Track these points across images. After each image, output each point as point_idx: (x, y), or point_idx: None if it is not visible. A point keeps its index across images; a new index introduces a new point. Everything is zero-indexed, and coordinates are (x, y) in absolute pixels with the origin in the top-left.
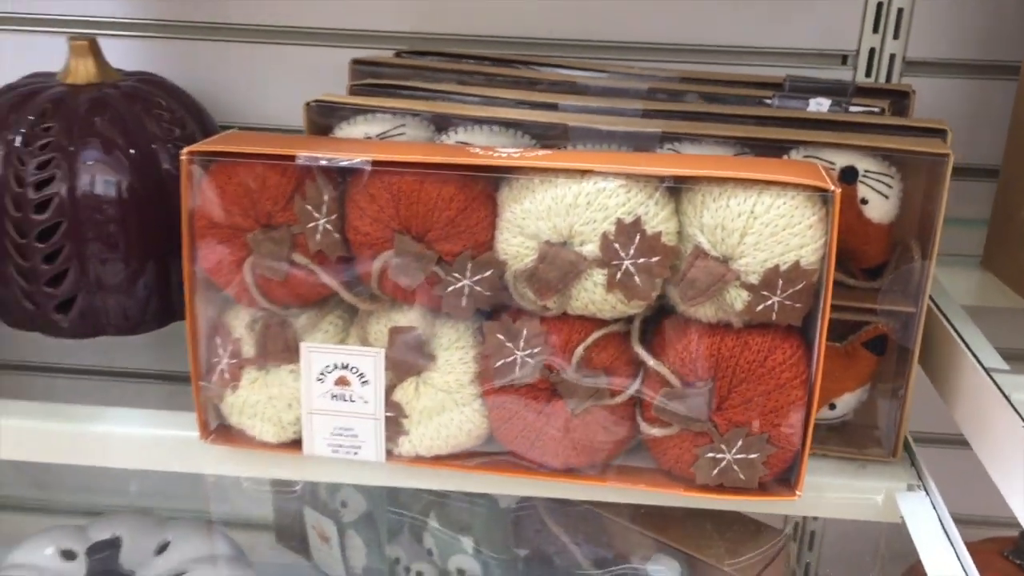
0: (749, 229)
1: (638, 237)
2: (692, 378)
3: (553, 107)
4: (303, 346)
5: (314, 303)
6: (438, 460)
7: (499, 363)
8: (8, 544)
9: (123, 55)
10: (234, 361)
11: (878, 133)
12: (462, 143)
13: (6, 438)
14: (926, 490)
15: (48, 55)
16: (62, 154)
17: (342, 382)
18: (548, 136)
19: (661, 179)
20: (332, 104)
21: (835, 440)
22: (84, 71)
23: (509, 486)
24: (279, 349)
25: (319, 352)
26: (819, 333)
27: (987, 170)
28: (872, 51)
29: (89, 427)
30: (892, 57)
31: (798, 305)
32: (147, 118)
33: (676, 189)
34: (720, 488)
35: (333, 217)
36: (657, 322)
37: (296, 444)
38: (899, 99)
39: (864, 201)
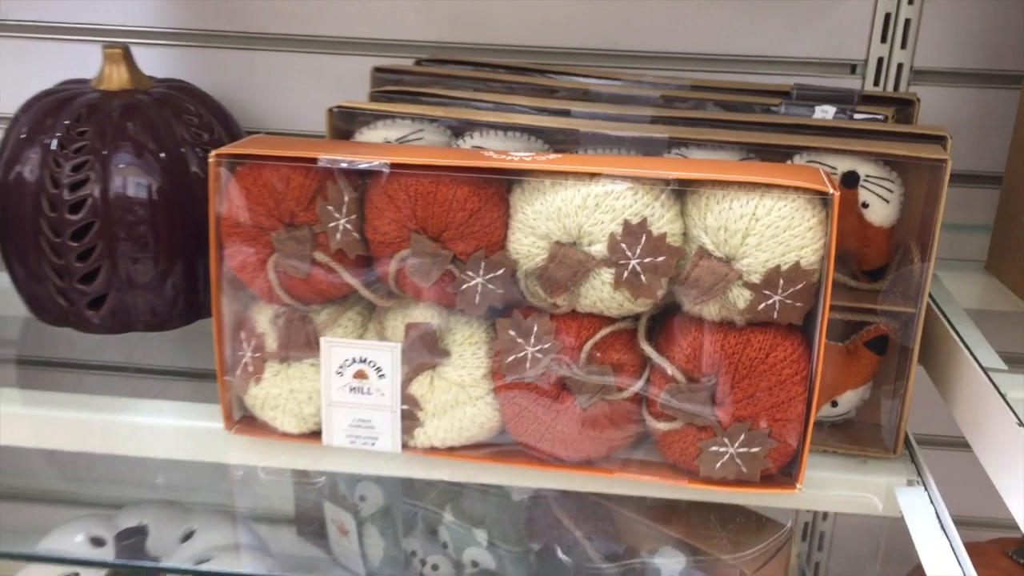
0: (751, 230)
1: (644, 238)
2: (696, 374)
3: (566, 113)
4: (323, 340)
5: (334, 299)
6: (452, 451)
7: (511, 358)
8: (40, 534)
9: (154, 63)
10: (258, 355)
11: (880, 139)
12: (477, 147)
13: (40, 427)
14: (925, 486)
15: (83, 62)
16: (96, 157)
17: (360, 375)
18: (560, 141)
19: (667, 182)
20: (354, 110)
21: (838, 437)
22: (117, 78)
23: (520, 477)
24: (300, 343)
25: (338, 346)
26: (819, 331)
27: (991, 177)
28: (880, 61)
29: (118, 417)
30: (900, 67)
31: (799, 304)
32: (177, 123)
33: (681, 192)
34: (723, 481)
35: (353, 217)
36: (663, 320)
37: (316, 435)
38: (904, 107)
39: (865, 205)
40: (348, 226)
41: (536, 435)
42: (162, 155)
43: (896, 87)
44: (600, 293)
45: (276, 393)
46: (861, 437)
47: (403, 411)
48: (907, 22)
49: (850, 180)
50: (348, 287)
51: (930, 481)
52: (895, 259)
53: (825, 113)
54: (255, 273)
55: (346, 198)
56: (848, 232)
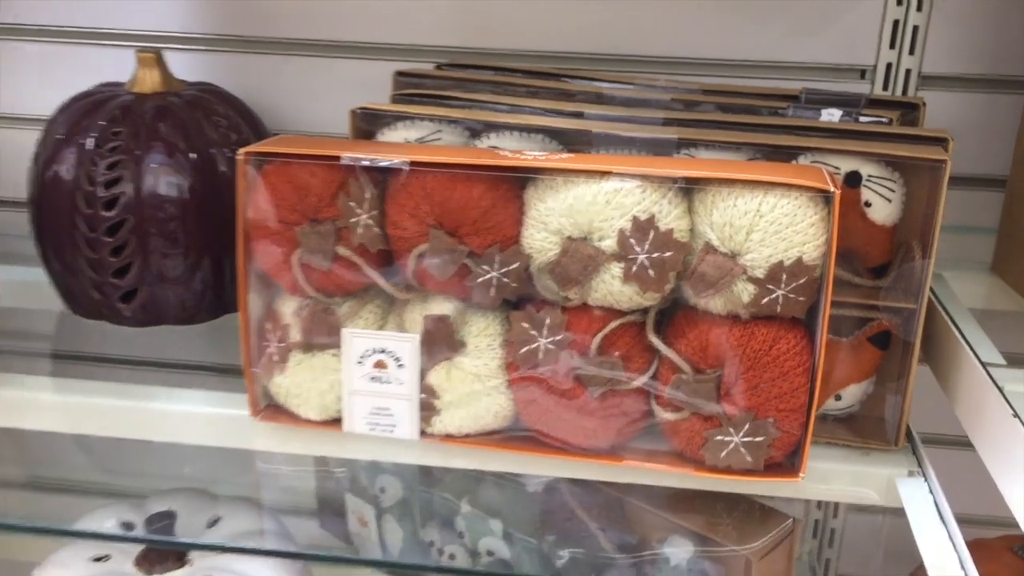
0: (755, 227)
1: (652, 233)
2: (702, 365)
3: (580, 115)
4: (345, 331)
5: (355, 292)
6: (467, 439)
7: (524, 350)
8: (71, 522)
9: (185, 67)
10: (282, 345)
11: (883, 141)
12: (493, 147)
13: (75, 414)
14: (925, 477)
15: (118, 66)
16: (129, 156)
17: (380, 365)
18: (573, 142)
19: (674, 180)
20: (376, 111)
21: (842, 430)
22: (150, 81)
23: (532, 465)
24: (323, 334)
25: (359, 337)
26: (821, 324)
27: (997, 180)
28: (889, 66)
29: (149, 405)
30: (908, 72)
31: (801, 298)
32: (206, 125)
33: (688, 190)
34: (728, 469)
35: (374, 213)
36: (671, 313)
37: (337, 422)
38: (909, 111)
39: (868, 204)
40: (369, 221)
41: (548, 423)
42: (192, 155)
43: (904, 92)
44: (610, 287)
45: (300, 382)
46: (864, 430)
47: (421, 400)
48: (915, 29)
49: (853, 180)
50: (369, 280)
51: (930, 473)
52: (897, 257)
53: (831, 116)
54: (280, 266)
55: (367, 195)
56: (851, 230)
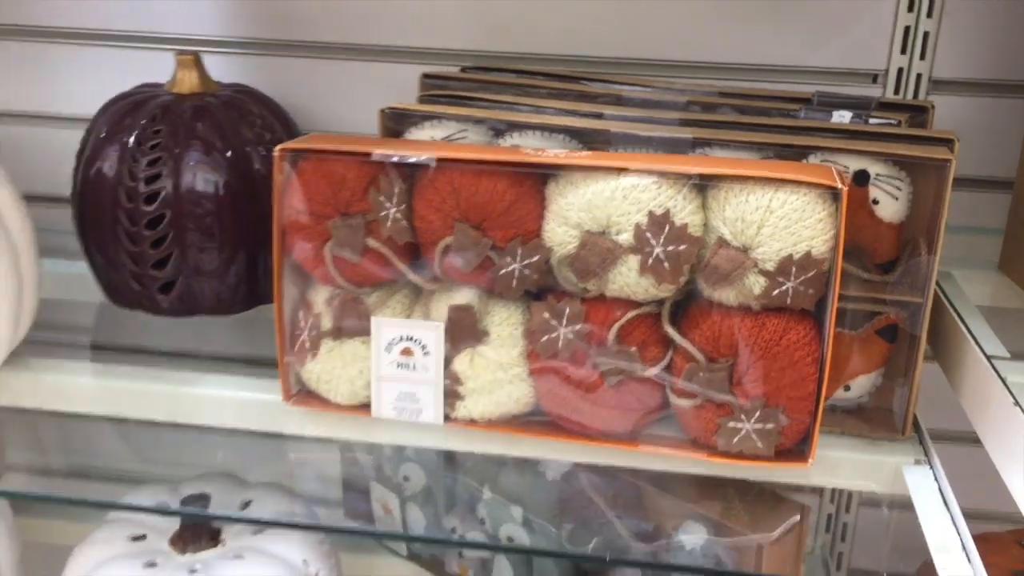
0: (766, 222)
1: (667, 228)
2: (715, 355)
3: (599, 116)
4: (374, 320)
5: (384, 283)
6: (490, 424)
7: (544, 338)
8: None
9: (221, 69)
10: (314, 332)
11: (891, 142)
12: (516, 146)
13: (115, 399)
14: (931, 465)
15: (158, 68)
16: (169, 154)
17: (407, 352)
18: (593, 141)
19: (689, 177)
20: (404, 111)
21: (851, 420)
22: (188, 82)
23: (551, 450)
24: (353, 322)
25: (387, 325)
26: (829, 316)
27: (1004, 182)
28: (900, 71)
29: (186, 389)
30: (919, 77)
31: (810, 291)
32: (241, 124)
33: (702, 186)
34: (740, 455)
35: (402, 207)
36: (685, 305)
37: (365, 407)
38: (918, 113)
39: (875, 202)
40: (398, 215)
41: (567, 410)
42: (228, 153)
43: (915, 96)
44: (627, 279)
45: (330, 368)
46: (873, 420)
47: (445, 386)
48: (925, 35)
49: (861, 178)
50: (397, 271)
51: (936, 461)
52: (904, 253)
53: (842, 118)
54: (313, 257)
55: (396, 189)
56: (860, 227)
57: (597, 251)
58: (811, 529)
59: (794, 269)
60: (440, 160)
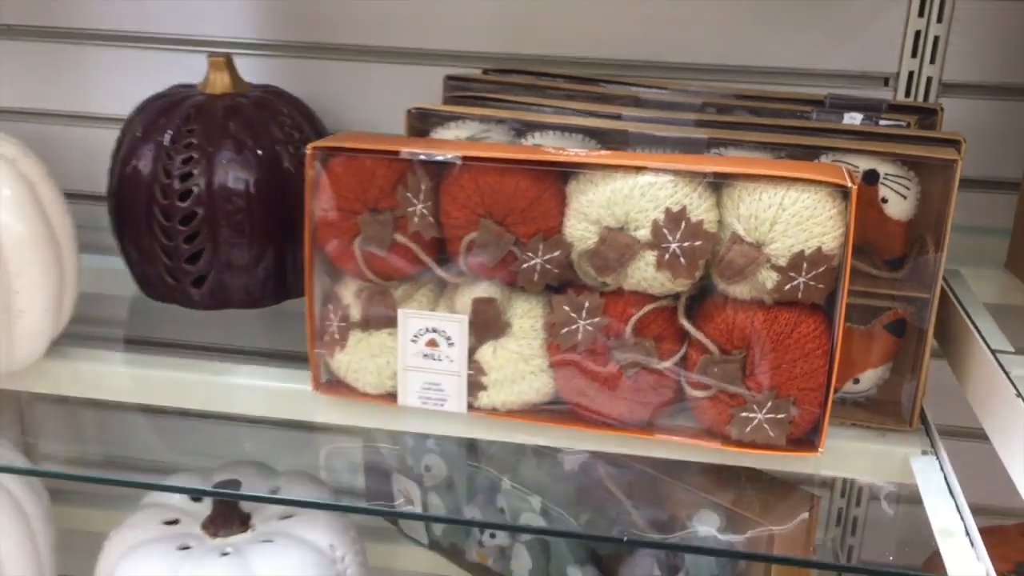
0: (778, 219)
1: (684, 224)
2: (729, 347)
3: (617, 117)
4: (400, 312)
5: (410, 276)
6: (511, 413)
7: (564, 331)
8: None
9: (252, 70)
10: (343, 324)
11: (900, 142)
12: (537, 145)
13: (150, 387)
14: (937, 456)
15: (191, 69)
16: (202, 153)
17: (432, 344)
18: (611, 141)
19: (704, 175)
20: (429, 111)
21: (860, 412)
22: (220, 83)
23: (570, 439)
24: (381, 314)
25: (413, 317)
26: (839, 310)
27: (1012, 183)
28: (911, 74)
29: (219, 379)
30: (929, 80)
31: (821, 286)
32: (272, 124)
33: (717, 184)
34: (753, 444)
35: (429, 204)
36: (700, 299)
37: (392, 396)
38: (927, 115)
39: (884, 200)
40: (424, 211)
41: (586, 400)
42: (259, 152)
43: (926, 98)
44: (644, 273)
45: (358, 358)
46: (881, 412)
47: (469, 376)
48: (936, 39)
49: (871, 178)
50: (423, 265)
51: (942, 452)
52: (912, 250)
53: (853, 119)
54: (342, 252)
55: (423, 186)
56: (869, 225)
57: (616, 246)
58: (821, 522)
59: (805, 265)
60: (465, 159)
